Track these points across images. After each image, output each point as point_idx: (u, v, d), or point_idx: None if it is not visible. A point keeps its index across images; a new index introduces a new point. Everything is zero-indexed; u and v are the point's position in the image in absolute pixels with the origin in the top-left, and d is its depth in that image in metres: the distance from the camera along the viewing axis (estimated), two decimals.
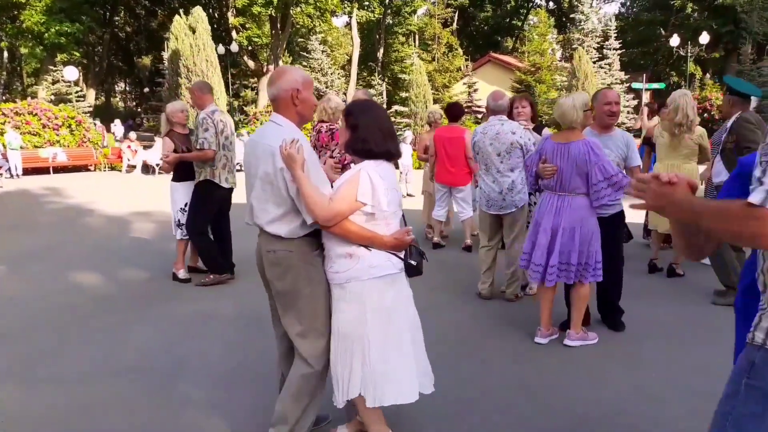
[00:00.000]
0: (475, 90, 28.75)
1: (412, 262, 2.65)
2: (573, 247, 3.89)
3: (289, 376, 2.74)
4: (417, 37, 38.94)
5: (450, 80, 27.99)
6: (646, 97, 23.48)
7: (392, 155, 2.62)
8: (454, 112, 7.21)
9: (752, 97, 5.07)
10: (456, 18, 42.62)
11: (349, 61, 40.31)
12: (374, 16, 32.37)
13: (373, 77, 38.06)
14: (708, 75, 32.83)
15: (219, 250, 5.88)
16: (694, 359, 3.86)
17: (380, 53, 39.78)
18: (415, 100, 20.15)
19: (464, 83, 29.26)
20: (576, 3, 29.53)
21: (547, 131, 5.28)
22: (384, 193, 2.50)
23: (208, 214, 5.70)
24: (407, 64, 36.39)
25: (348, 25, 34.52)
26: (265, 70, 29.25)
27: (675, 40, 25.51)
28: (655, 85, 24.75)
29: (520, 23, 48.65)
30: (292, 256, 2.64)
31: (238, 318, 4.84)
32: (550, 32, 29.48)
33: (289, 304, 2.68)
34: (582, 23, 26.84)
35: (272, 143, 2.54)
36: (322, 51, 33.05)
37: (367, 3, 30.07)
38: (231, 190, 5.76)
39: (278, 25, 27.33)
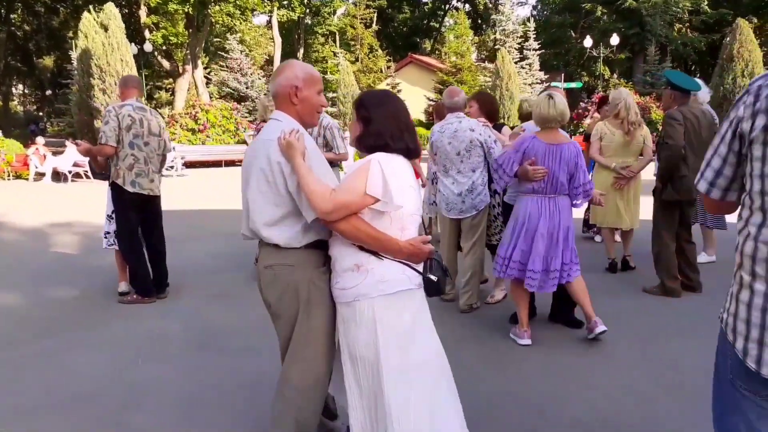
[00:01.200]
0: (399, 91, 28.93)
1: (432, 277, 2.26)
2: (567, 246, 3.84)
3: (273, 402, 2.46)
4: (338, 37, 38.72)
5: (374, 81, 28.01)
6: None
7: (410, 151, 2.31)
8: None
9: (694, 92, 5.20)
10: (375, 19, 42.75)
11: (268, 62, 39.54)
12: (295, 16, 31.82)
13: None
14: (615, 75, 34.59)
15: (155, 263, 5.43)
16: (669, 352, 3.90)
17: (300, 53, 39.22)
18: (342, 101, 19.91)
19: (387, 84, 29.35)
20: (491, 6, 30.36)
21: (507, 129, 5.15)
22: (398, 188, 2.17)
23: (126, 222, 5.18)
24: (331, 64, 36.11)
25: (268, 24, 33.73)
26: (181, 70, 28.00)
27: (588, 42, 26.68)
28: (573, 85, 25.79)
29: (437, 25, 49.50)
30: (291, 273, 2.33)
31: (189, 337, 4.45)
32: (469, 34, 30.06)
33: (283, 327, 2.40)
34: (503, 24, 27.53)
35: (270, 136, 2.29)
36: (241, 51, 32.18)
37: (287, 2, 29.48)
38: (145, 197, 5.15)
39: (195, 24, 26.27)
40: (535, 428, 3.00)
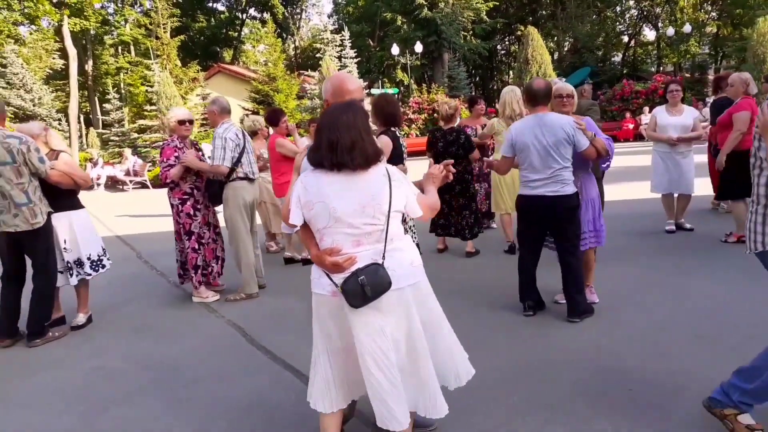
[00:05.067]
0: (212, 101, 27.88)
1: (335, 287, 2.35)
2: None
3: None
4: (132, 47, 36.05)
5: (186, 91, 26.63)
6: None
7: (324, 166, 2.32)
8: (273, 117, 7.09)
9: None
10: (169, 28, 40.50)
11: (53, 76, 35.44)
12: (89, 25, 28.96)
13: (85, 92, 34.04)
14: (413, 80, 37.05)
15: (33, 302, 4.73)
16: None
17: (89, 65, 35.82)
18: (166, 113, 18.73)
19: (198, 95, 28.09)
20: (288, 16, 30.78)
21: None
22: (298, 204, 2.38)
23: None
24: (128, 77, 33.39)
25: (57, 35, 30.11)
26: None
27: (395, 49, 28.31)
28: (390, 90, 27.14)
29: (236, 34, 48.53)
30: None
31: (139, 375, 4.03)
32: (278, 43, 30.02)
33: None
34: (321, 33, 27.96)
35: None
36: (21, 65, 28.41)
37: (79, 7, 26.69)
38: (14, 235, 4.51)
39: None
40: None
